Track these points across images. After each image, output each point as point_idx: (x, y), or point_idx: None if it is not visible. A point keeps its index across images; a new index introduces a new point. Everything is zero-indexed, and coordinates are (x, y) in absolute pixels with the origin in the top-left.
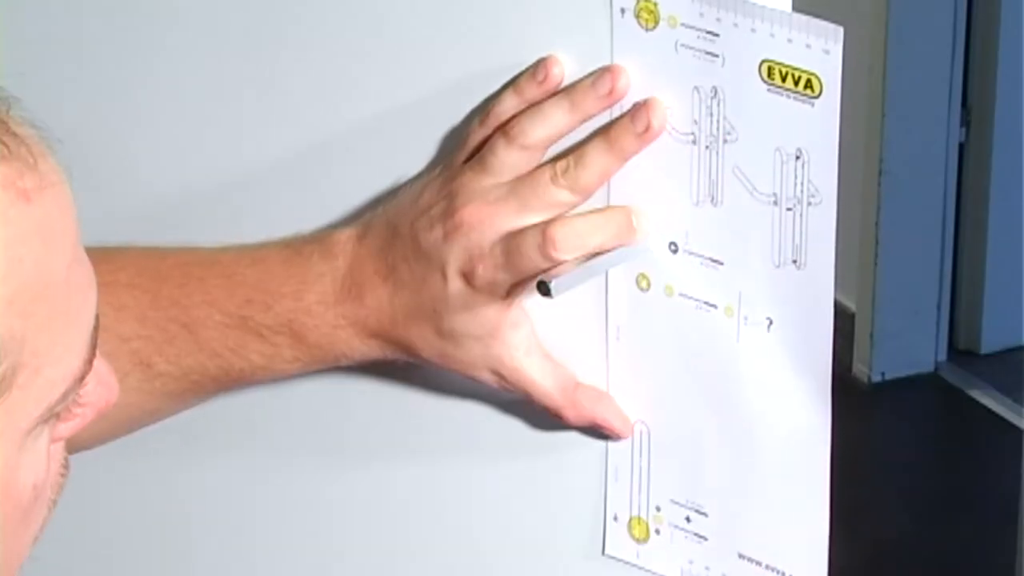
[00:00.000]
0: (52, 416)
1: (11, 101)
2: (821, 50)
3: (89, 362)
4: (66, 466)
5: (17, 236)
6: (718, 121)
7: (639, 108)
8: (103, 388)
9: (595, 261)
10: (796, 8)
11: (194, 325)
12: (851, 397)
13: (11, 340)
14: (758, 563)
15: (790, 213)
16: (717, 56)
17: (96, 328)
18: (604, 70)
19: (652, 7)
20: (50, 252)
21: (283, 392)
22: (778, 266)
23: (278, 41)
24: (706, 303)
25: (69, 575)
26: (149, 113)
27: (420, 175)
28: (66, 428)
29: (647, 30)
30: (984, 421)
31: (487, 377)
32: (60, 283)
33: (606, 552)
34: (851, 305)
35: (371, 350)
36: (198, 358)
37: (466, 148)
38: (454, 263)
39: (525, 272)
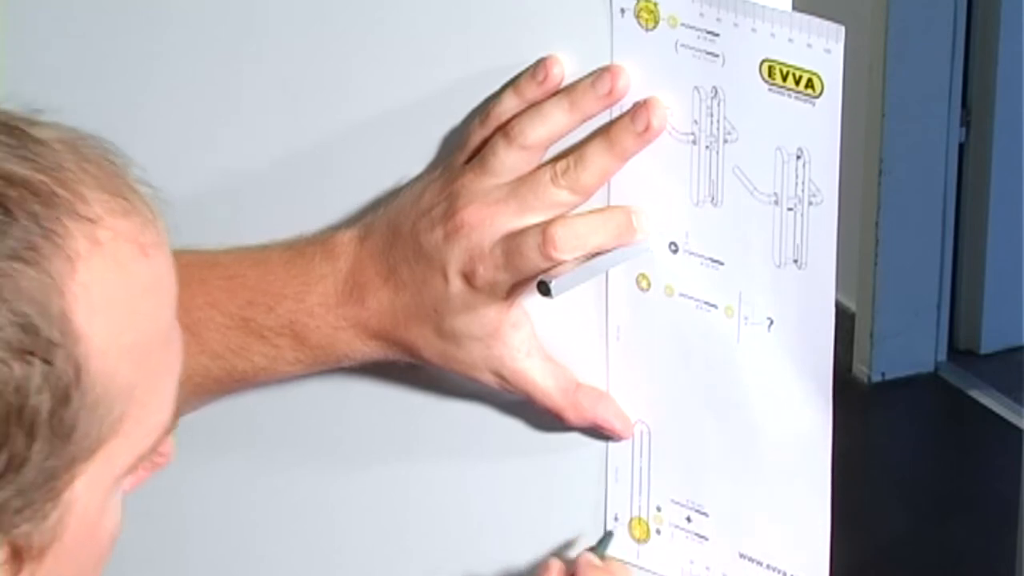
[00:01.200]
0: (138, 466)
1: (128, 159)
2: (822, 49)
3: (175, 417)
4: (122, 521)
5: (136, 289)
6: (718, 121)
7: (639, 108)
8: (166, 447)
9: (595, 261)
10: (796, 8)
11: (196, 327)
12: (851, 397)
13: (125, 388)
14: (759, 563)
15: (791, 213)
16: (717, 56)
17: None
18: (604, 70)
19: (652, 7)
20: (161, 307)
21: (284, 392)
22: (779, 266)
23: (279, 42)
24: (706, 303)
25: None
26: (150, 114)
27: (421, 176)
28: (127, 483)
29: (647, 30)
30: (984, 421)
31: (488, 378)
32: (166, 338)
33: (606, 552)
34: (851, 305)
35: (372, 351)
36: (200, 360)
37: (466, 149)
38: (455, 264)
39: (525, 272)
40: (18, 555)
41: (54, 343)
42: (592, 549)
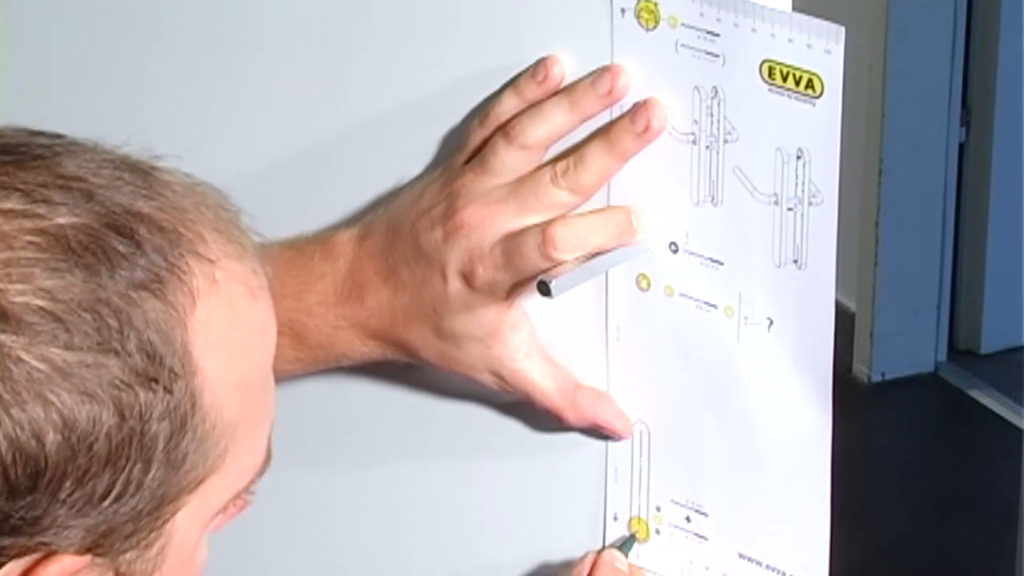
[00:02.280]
0: (229, 507)
1: (238, 208)
2: (822, 50)
3: (268, 458)
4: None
5: (245, 329)
6: (718, 121)
7: (639, 108)
8: (244, 495)
9: (595, 261)
10: (796, 8)
11: None
12: (851, 397)
13: (230, 424)
14: (758, 563)
15: (791, 213)
16: (717, 56)
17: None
18: (604, 70)
19: (652, 7)
20: (265, 349)
21: (284, 392)
22: (779, 266)
23: (279, 42)
24: (706, 303)
25: None
26: (150, 114)
27: (421, 176)
28: (215, 523)
29: (647, 30)
30: (984, 421)
31: (487, 378)
32: (265, 380)
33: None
34: (851, 305)
35: (372, 351)
36: None
37: (467, 149)
38: (454, 264)
39: (525, 272)
40: None
41: (176, 373)
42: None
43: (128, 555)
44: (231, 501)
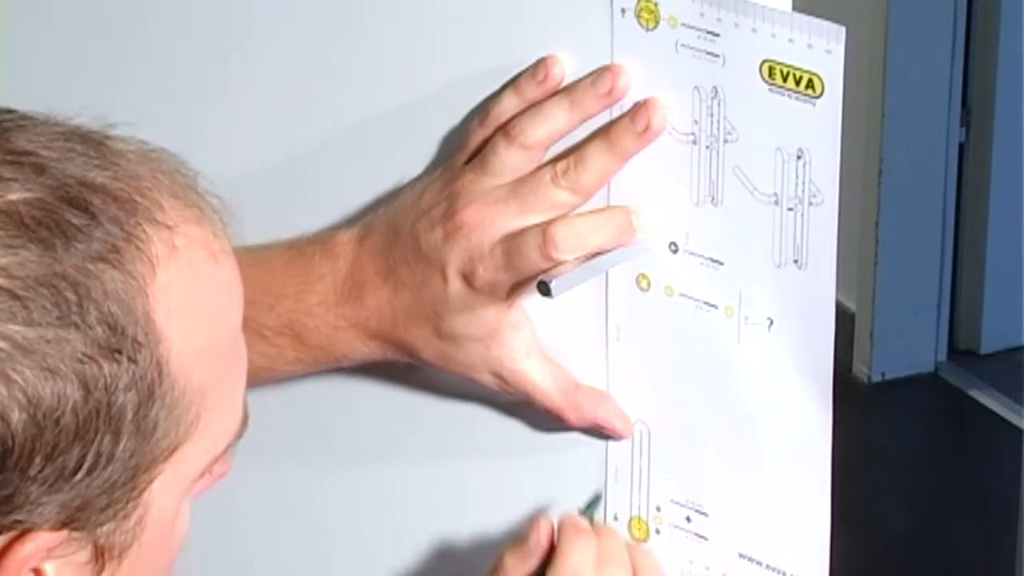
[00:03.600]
0: (207, 472)
1: (196, 171)
2: (823, 50)
3: (244, 421)
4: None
5: (208, 293)
6: (719, 121)
7: (639, 108)
8: (224, 460)
9: (595, 261)
10: (796, 8)
11: None
12: (851, 397)
13: (199, 389)
14: (759, 563)
15: (791, 213)
16: (718, 56)
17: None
18: (604, 69)
19: (652, 7)
20: (230, 313)
21: (284, 392)
22: (779, 266)
23: (279, 42)
24: (706, 303)
25: None
26: (150, 114)
27: (421, 176)
28: (193, 492)
29: (647, 30)
30: (984, 421)
31: (487, 379)
32: (233, 343)
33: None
34: (851, 305)
35: (372, 351)
36: None
37: (467, 149)
38: (454, 264)
39: (525, 272)
40: (100, 556)
41: (139, 342)
42: (580, 512)
43: (106, 527)
44: (209, 467)
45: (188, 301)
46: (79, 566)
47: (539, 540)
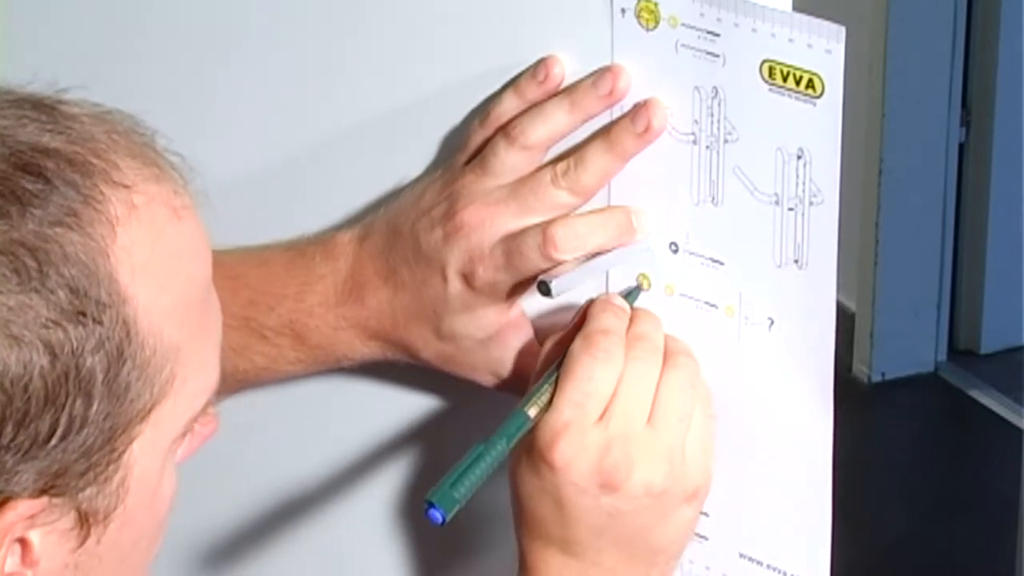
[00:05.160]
0: (188, 430)
1: (153, 129)
2: (823, 50)
3: (220, 377)
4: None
5: (173, 250)
6: (719, 121)
7: (639, 108)
8: (210, 418)
9: (595, 261)
10: (796, 8)
11: None
12: (851, 397)
13: (171, 347)
14: (759, 563)
15: (792, 213)
16: (718, 56)
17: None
18: (605, 70)
19: (652, 7)
20: (198, 268)
21: (284, 392)
22: (779, 266)
23: (279, 42)
24: (707, 303)
25: None
26: (150, 115)
27: (421, 177)
28: (179, 453)
29: (647, 30)
30: (984, 421)
31: (487, 379)
32: (204, 299)
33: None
34: (851, 305)
35: (372, 351)
36: None
37: (467, 149)
38: (454, 264)
39: (525, 273)
40: (84, 521)
41: (103, 304)
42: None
43: (87, 492)
44: (190, 425)
45: (152, 259)
46: (64, 533)
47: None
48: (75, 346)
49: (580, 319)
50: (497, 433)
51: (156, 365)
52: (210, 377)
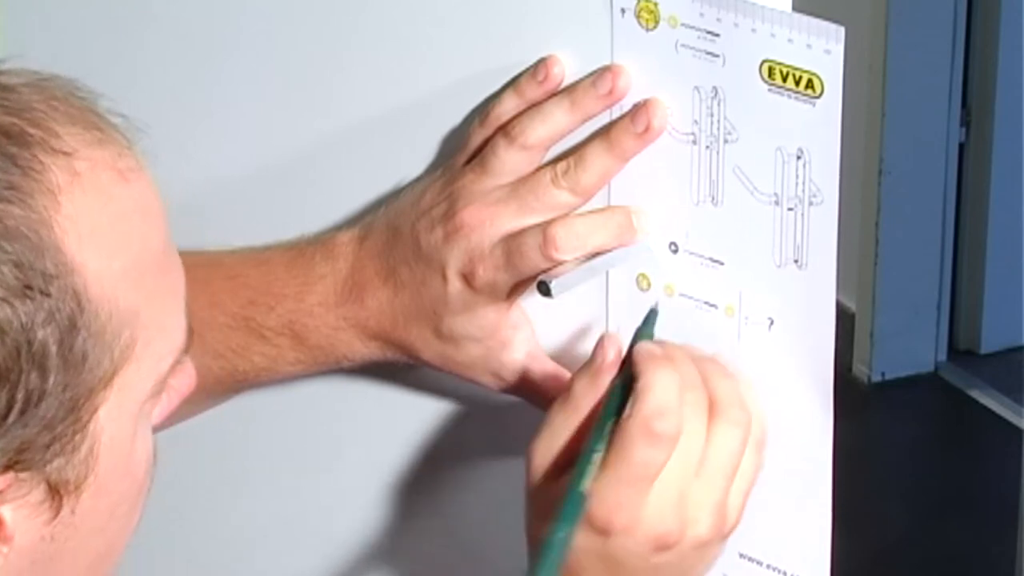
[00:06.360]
0: (159, 391)
1: (95, 92)
2: (822, 50)
3: (190, 335)
4: (155, 454)
5: (121, 213)
6: (719, 121)
7: (639, 108)
8: (186, 374)
9: (595, 261)
10: (796, 8)
11: (199, 327)
12: (851, 397)
13: (128, 311)
14: (759, 563)
15: (791, 213)
16: (718, 56)
17: (187, 305)
18: (605, 69)
19: (652, 7)
20: (150, 229)
21: (284, 393)
22: (779, 266)
23: (279, 42)
24: (707, 303)
25: None
26: (151, 115)
27: (421, 177)
28: (156, 414)
29: (647, 30)
30: (984, 421)
31: (487, 380)
32: (160, 260)
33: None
34: (851, 305)
35: (372, 352)
36: (203, 360)
37: (467, 149)
38: (454, 264)
39: (525, 273)
40: (55, 493)
41: (50, 275)
42: (640, 330)
43: (55, 464)
44: (159, 387)
45: (100, 225)
46: (35, 506)
47: (605, 357)
48: (24, 321)
49: (616, 360)
50: (559, 520)
51: (113, 331)
52: (175, 337)
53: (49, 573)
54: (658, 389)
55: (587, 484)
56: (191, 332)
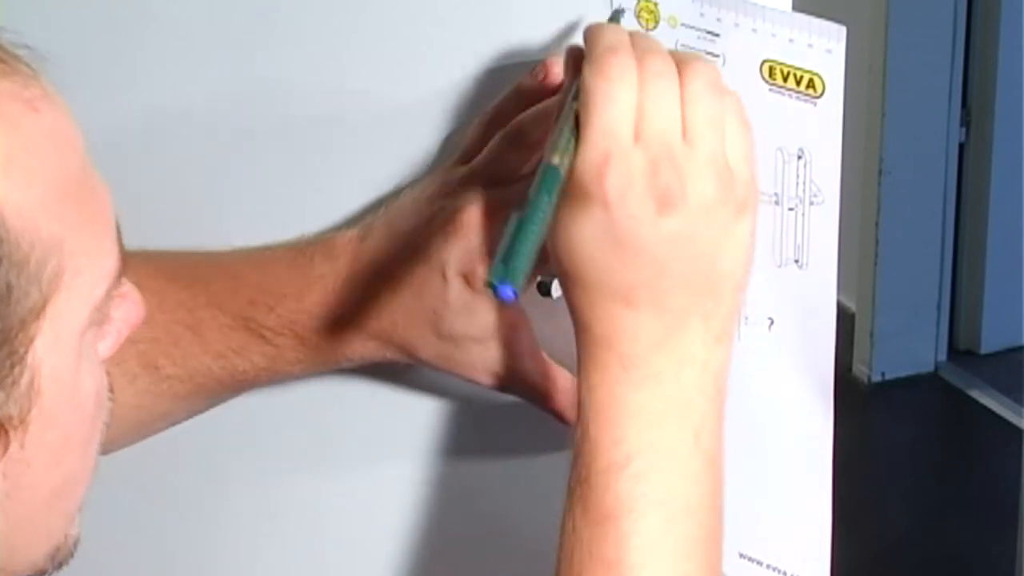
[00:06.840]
0: (99, 319)
1: None
2: (823, 50)
3: (122, 260)
4: (111, 389)
5: (33, 144)
6: None
7: None
8: (131, 304)
9: None
10: (796, 8)
11: (199, 327)
12: (851, 397)
13: (51, 241)
14: (759, 563)
15: (792, 213)
16: (718, 56)
17: (119, 230)
18: None
19: (652, 7)
20: (65, 158)
21: (283, 393)
22: (780, 266)
23: (279, 42)
24: None
25: (69, 573)
26: (151, 114)
27: (421, 177)
28: (105, 347)
29: (647, 30)
30: (984, 421)
31: (487, 379)
32: (80, 187)
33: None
34: (851, 305)
35: (372, 352)
36: (203, 360)
37: (467, 149)
38: (454, 264)
39: None
40: (1, 429)
41: None
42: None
43: None
44: (97, 315)
45: (13, 155)
46: None
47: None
48: None
49: (571, 70)
50: (533, 193)
51: (38, 261)
52: (106, 264)
53: (6, 511)
54: (604, 37)
55: (560, 159)
56: (124, 257)
